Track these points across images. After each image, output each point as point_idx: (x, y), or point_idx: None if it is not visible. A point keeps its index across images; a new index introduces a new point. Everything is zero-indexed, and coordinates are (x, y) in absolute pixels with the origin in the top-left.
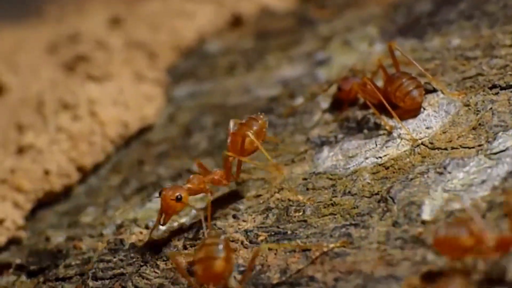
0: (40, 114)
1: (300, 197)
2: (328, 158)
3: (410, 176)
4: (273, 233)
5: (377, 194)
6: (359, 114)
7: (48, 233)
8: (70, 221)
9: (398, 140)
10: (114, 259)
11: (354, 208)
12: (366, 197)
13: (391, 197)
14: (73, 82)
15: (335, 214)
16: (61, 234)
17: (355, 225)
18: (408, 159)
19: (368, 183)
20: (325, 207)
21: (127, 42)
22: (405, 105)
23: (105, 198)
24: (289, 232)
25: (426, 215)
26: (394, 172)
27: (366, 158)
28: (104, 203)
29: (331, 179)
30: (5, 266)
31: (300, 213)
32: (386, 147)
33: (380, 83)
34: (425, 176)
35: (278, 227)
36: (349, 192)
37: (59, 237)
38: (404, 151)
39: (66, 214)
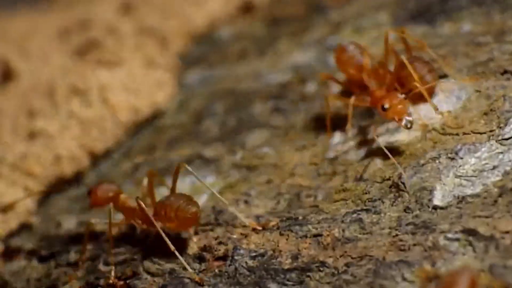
0: (51, 100)
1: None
2: (339, 144)
3: (422, 162)
4: (284, 219)
5: (388, 179)
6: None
7: (59, 218)
8: (81, 206)
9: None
10: (126, 245)
11: (366, 193)
12: (378, 182)
13: (402, 183)
14: (84, 68)
15: (347, 200)
16: (72, 219)
17: (367, 211)
18: (419, 145)
19: (380, 169)
20: (336, 193)
21: (138, 28)
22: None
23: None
24: (300, 217)
25: (437, 201)
26: (405, 158)
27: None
28: None
29: (342, 164)
30: (17, 251)
31: (312, 199)
32: (398, 132)
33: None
34: (437, 161)
35: (289, 212)
36: (361, 177)
37: (70, 222)
38: (416, 137)
39: (77, 199)
